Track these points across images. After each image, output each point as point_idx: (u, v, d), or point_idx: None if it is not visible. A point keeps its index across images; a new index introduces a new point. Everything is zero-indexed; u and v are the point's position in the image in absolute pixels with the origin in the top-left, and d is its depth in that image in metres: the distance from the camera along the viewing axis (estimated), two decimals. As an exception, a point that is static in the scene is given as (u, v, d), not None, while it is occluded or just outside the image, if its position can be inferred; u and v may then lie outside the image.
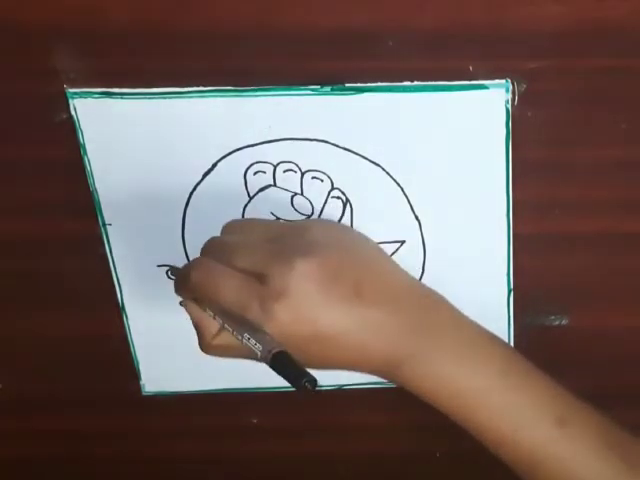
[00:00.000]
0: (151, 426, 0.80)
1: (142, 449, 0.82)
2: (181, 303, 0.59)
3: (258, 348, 0.54)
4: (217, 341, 0.58)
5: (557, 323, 0.72)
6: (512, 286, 0.70)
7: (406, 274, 0.60)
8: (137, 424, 0.80)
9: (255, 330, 0.54)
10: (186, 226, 0.68)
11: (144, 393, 0.77)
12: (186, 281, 0.57)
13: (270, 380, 0.75)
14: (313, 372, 0.54)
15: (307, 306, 0.54)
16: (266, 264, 0.54)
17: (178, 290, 0.59)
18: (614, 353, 0.74)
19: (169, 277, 0.71)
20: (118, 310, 0.72)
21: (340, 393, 0.76)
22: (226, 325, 0.56)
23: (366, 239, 0.61)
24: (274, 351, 0.53)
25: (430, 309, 0.58)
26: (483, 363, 0.57)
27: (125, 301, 0.72)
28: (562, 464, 0.57)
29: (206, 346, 0.58)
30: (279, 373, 0.53)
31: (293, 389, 0.76)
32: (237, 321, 0.55)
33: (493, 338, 0.59)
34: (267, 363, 0.53)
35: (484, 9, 0.59)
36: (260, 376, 0.75)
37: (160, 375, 0.76)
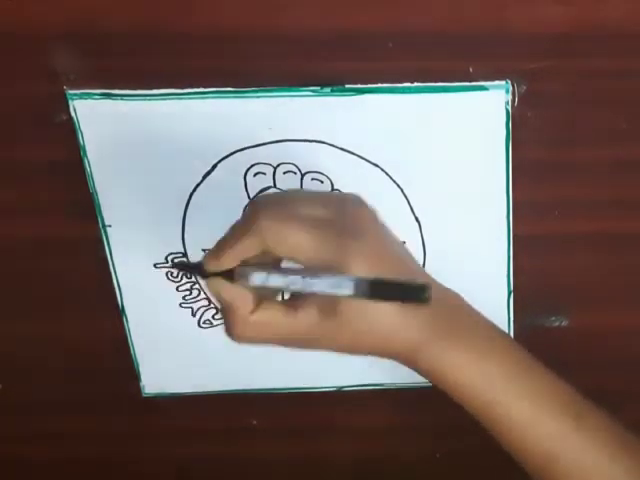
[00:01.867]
0: (151, 427, 0.80)
1: (142, 450, 0.81)
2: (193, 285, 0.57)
3: (348, 284, 0.51)
4: (257, 316, 0.54)
5: (557, 324, 0.72)
6: (512, 287, 0.70)
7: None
8: (137, 425, 0.80)
9: (330, 270, 0.51)
10: (186, 227, 0.68)
11: (144, 394, 0.77)
12: (253, 232, 0.52)
13: (270, 381, 0.76)
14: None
15: (379, 246, 0.54)
16: (335, 211, 0.53)
17: (230, 250, 0.53)
18: (614, 353, 0.74)
19: (169, 279, 0.71)
20: (118, 311, 0.72)
21: (340, 394, 0.76)
22: (294, 278, 0.52)
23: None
24: (369, 280, 0.51)
25: (450, 302, 0.58)
26: (501, 355, 0.57)
27: (125, 302, 0.72)
28: (577, 458, 0.57)
29: (242, 323, 0.54)
30: (386, 298, 0.51)
31: (293, 390, 0.76)
32: (308, 269, 0.52)
33: (508, 336, 0.59)
34: (365, 291, 0.51)
35: (484, 10, 0.59)
36: (260, 377, 0.76)
37: (160, 376, 0.76)
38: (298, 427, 0.80)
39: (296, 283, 0.52)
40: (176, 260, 0.65)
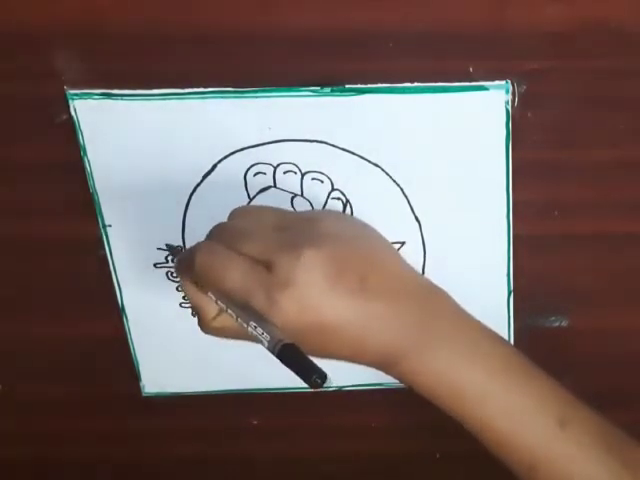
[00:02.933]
0: (151, 427, 0.80)
1: (142, 450, 0.82)
2: (179, 287, 0.59)
3: (265, 338, 0.53)
4: (216, 323, 0.58)
5: (557, 324, 0.72)
6: (512, 287, 0.70)
7: (411, 269, 0.59)
8: (137, 425, 0.80)
9: (260, 319, 0.54)
10: (186, 227, 0.68)
11: (144, 394, 0.77)
12: (190, 264, 0.56)
13: (270, 381, 0.76)
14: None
15: (312, 297, 0.54)
16: (274, 252, 0.54)
17: (180, 272, 0.59)
18: (614, 354, 0.74)
19: (169, 279, 0.71)
20: (118, 311, 0.72)
21: (340, 394, 0.76)
22: (230, 311, 0.56)
23: (374, 232, 0.60)
24: (283, 342, 0.53)
25: (433, 305, 0.58)
26: (484, 361, 0.57)
27: (125, 302, 0.72)
28: (562, 465, 0.57)
29: (206, 327, 0.58)
30: (287, 365, 0.53)
31: (293, 390, 0.76)
32: (241, 308, 0.55)
33: (495, 336, 0.59)
34: (274, 354, 0.53)
35: (484, 10, 0.59)
36: (260, 377, 0.76)
37: (160, 376, 0.76)
38: (298, 427, 0.80)
39: (236, 314, 0.55)
40: (172, 248, 0.66)
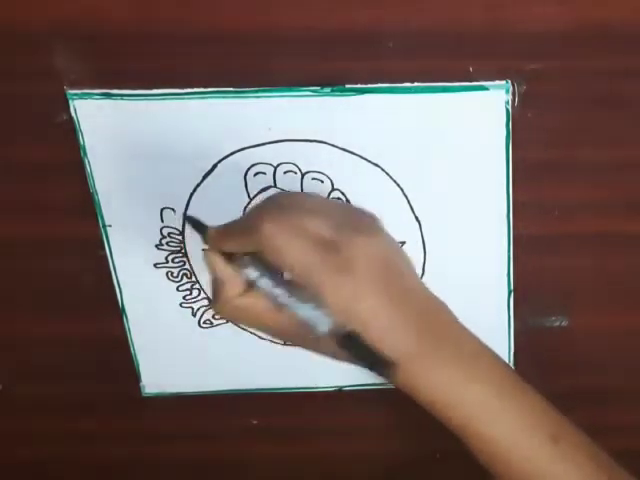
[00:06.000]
0: (151, 427, 0.80)
1: (142, 450, 0.81)
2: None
3: (325, 324, 0.52)
4: (241, 301, 0.56)
5: (557, 324, 0.72)
6: (512, 287, 0.70)
7: (418, 277, 0.60)
8: (137, 425, 0.80)
9: (315, 301, 0.53)
10: (186, 227, 0.68)
11: (144, 394, 0.77)
12: (253, 232, 0.53)
13: (270, 381, 0.76)
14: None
15: (367, 285, 0.53)
16: (341, 232, 0.54)
17: (231, 239, 0.56)
18: (614, 353, 0.74)
19: (169, 279, 0.71)
20: (118, 311, 0.72)
21: (340, 394, 0.76)
22: (282, 292, 0.54)
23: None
24: (348, 329, 0.52)
25: (434, 315, 0.58)
26: (480, 374, 0.57)
27: (125, 302, 0.72)
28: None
29: (225, 303, 0.56)
30: (351, 352, 0.52)
31: (293, 390, 0.76)
32: (296, 289, 0.53)
33: (491, 352, 0.59)
34: (337, 339, 0.52)
35: (484, 10, 0.59)
36: (260, 377, 0.76)
37: (160, 376, 0.76)
38: (298, 427, 0.80)
39: (281, 297, 0.54)
40: (190, 215, 0.65)
